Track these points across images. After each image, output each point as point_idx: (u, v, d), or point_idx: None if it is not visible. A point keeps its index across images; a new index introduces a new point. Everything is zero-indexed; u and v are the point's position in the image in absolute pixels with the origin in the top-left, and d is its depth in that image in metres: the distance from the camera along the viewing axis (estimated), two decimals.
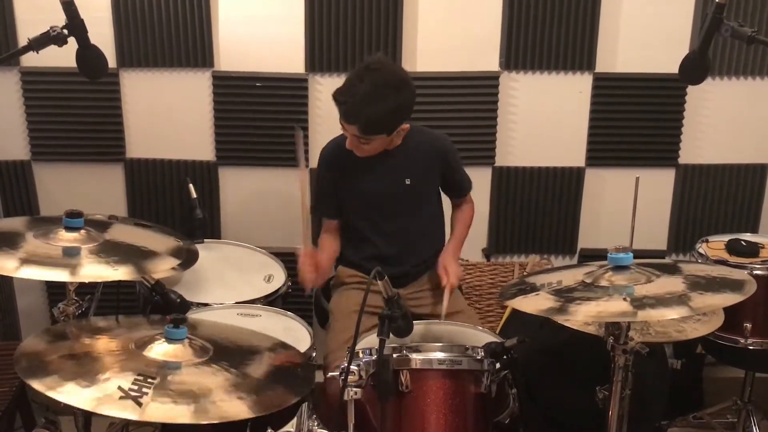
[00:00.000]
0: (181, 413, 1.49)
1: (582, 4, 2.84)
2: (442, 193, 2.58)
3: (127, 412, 1.46)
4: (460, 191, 2.59)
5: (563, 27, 2.86)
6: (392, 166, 2.40)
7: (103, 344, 1.72)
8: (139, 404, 1.48)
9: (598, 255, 2.89)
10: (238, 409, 1.54)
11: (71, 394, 1.49)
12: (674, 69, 2.06)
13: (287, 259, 2.60)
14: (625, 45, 2.91)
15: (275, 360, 1.81)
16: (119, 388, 1.51)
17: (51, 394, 1.47)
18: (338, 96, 2.27)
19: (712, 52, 2.43)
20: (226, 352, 1.76)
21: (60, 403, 1.49)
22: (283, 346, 1.94)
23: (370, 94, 2.21)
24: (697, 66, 2.03)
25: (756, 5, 2.86)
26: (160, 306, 2.11)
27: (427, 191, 2.51)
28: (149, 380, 1.55)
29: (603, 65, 2.92)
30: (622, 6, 2.87)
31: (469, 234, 2.64)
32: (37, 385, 1.50)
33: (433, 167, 2.47)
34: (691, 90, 2.95)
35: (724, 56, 2.92)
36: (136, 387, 1.52)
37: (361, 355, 1.88)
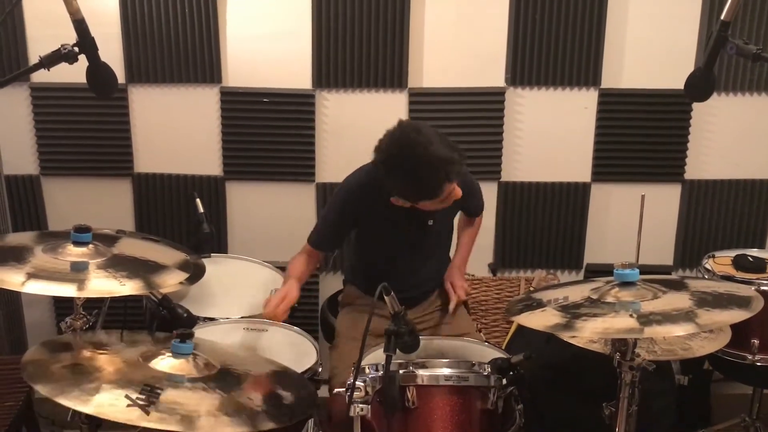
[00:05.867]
0: (182, 425, 1.49)
1: (587, 20, 2.86)
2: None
3: (133, 419, 1.46)
4: (475, 214, 2.60)
5: (569, 43, 2.88)
6: (418, 209, 2.29)
7: (108, 357, 1.72)
8: (147, 412, 1.48)
9: (604, 270, 2.88)
10: (238, 428, 1.55)
11: (77, 400, 1.49)
12: (680, 85, 2.06)
13: None
14: (630, 61, 2.92)
15: (256, 387, 1.77)
16: (126, 396, 1.51)
17: (58, 400, 1.47)
18: (425, 180, 2.10)
19: (717, 68, 2.43)
20: (228, 372, 1.76)
21: (66, 416, 1.49)
22: (283, 371, 1.92)
23: (436, 149, 2.09)
24: (703, 83, 2.02)
25: (761, 23, 2.87)
26: (167, 320, 2.11)
27: (445, 230, 2.50)
28: (156, 390, 1.55)
29: (608, 81, 2.93)
30: (628, 22, 2.89)
31: (475, 249, 2.64)
32: (43, 390, 1.50)
33: (453, 206, 2.38)
34: (697, 106, 2.95)
35: (730, 73, 2.93)
36: (144, 396, 1.52)
37: (367, 370, 1.87)
